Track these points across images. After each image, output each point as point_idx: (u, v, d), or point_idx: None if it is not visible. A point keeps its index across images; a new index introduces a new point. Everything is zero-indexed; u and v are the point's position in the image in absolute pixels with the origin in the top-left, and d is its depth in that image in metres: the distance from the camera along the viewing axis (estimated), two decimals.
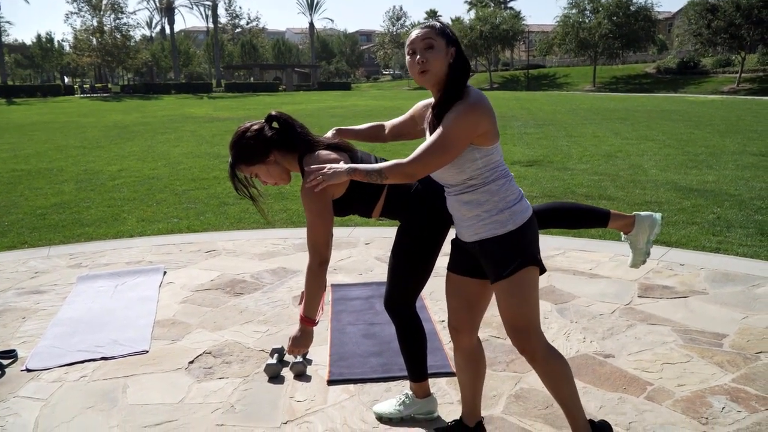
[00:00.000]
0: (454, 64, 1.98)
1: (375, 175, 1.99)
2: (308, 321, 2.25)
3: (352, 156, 2.31)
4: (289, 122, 2.31)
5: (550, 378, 2.12)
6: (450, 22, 60.11)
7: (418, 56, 1.97)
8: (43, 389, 2.97)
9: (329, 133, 2.45)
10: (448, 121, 1.92)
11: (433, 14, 79.32)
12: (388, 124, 2.45)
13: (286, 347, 2.25)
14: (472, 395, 2.43)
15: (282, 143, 2.28)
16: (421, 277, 2.42)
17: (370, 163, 2.33)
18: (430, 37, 1.96)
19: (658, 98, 32.00)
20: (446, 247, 5.07)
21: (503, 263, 2.02)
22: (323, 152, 2.25)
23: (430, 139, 1.94)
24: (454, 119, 1.91)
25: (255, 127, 2.29)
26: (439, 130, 1.93)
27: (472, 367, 2.37)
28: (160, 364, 3.21)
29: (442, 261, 4.73)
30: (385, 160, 2.16)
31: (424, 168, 1.93)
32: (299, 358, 3.10)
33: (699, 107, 23.51)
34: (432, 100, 2.14)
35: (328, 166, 2.06)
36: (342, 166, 2.04)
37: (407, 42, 2.01)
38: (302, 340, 2.25)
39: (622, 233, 2.51)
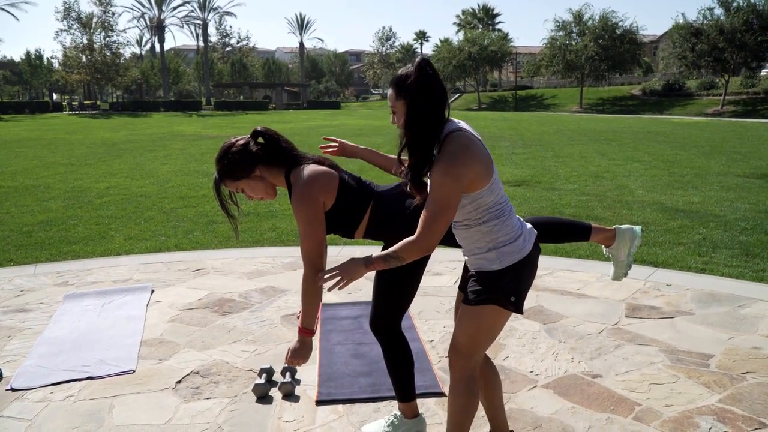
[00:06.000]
0: (408, 120, 1.93)
1: (393, 260, 1.99)
2: (307, 332, 2.25)
3: (338, 173, 2.32)
4: (274, 137, 2.32)
5: (453, 405, 2.20)
6: (439, 43, 60.73)
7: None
8: (28, 409, 2.94)
9: (360, 147, 2.53)
10: (433, 184, 1.92)
11: (422, 35, 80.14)
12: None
13: (285, 359, 2.26)
14: (494, 409, 2.45)
15: (267, 158, 2.29)
16: (405, 297, 2.43)
17: (357, 182, 2.36)
18: (391, 104, 1.98)
19: (644, 120, 32.40)
20: (432, 266, 5.10)
21: (476, 293, 2.09)
22: (310, 166, 2.26)
23: (425, 209, 1.94)
24: (437, 181, 1.91)
25: (240, 142, 2.30)
26: (429, 198, 1.93)
27: (484, 383, 2.40)
28: (147, 384, 3.18)
29: (430, 280, 4.77)
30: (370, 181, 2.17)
31: (432, 238, 1.93)
32: (288, 378, 3.09)
33: (684, 129, 23.82)
34: None
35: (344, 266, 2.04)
36: (358, 259, 2.03)
37: None
38: (301, 351, 2.25)
39: (603, 247, 2.55)
